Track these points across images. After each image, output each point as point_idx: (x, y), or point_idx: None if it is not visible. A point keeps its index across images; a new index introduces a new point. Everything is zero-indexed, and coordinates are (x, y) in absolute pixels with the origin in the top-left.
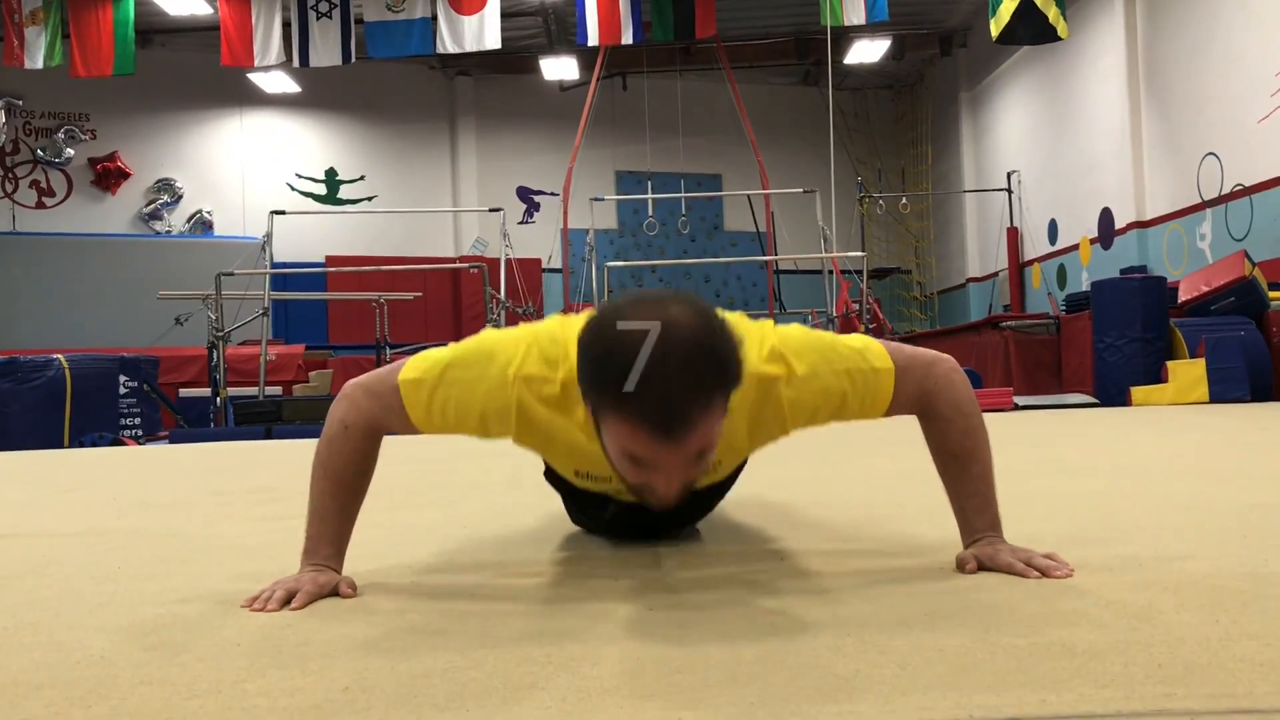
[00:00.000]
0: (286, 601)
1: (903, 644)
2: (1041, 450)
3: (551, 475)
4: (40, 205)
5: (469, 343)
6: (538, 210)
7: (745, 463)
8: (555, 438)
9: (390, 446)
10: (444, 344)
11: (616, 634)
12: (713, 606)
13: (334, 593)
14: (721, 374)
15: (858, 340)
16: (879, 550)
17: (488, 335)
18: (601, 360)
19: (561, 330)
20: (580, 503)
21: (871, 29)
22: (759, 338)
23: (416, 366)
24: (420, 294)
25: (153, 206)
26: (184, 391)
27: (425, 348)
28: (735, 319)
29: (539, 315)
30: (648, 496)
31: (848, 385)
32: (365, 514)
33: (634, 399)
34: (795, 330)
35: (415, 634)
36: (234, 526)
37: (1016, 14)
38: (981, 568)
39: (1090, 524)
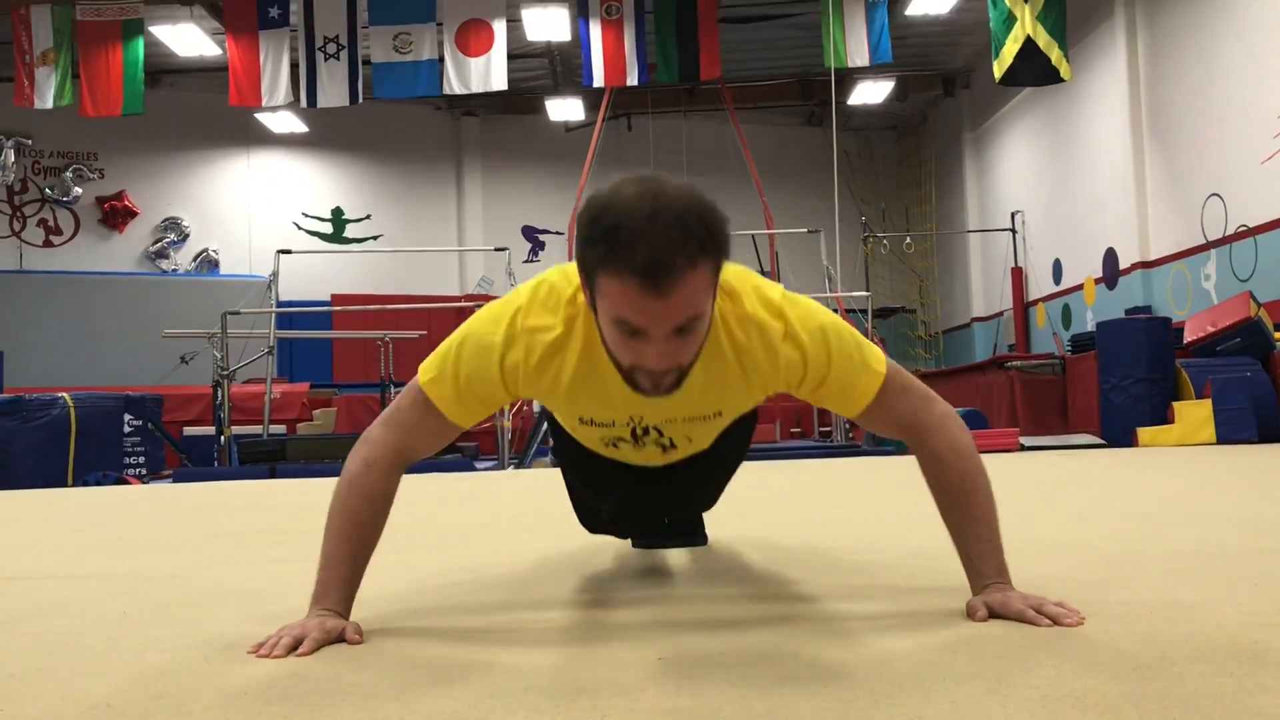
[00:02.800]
0: (293, 648)
1: (914, 695)
2: (1049, 493)
3: (559, 449)
4: (48, 244)
5: (471, 320)
6: (543, 249)
7: (741, 450)
8: (559, 378)
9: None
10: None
11: (626, 685)
12: (722, 656)
13: (341, 638)
14: (710, 236)
15: (866, 342)
16: (888, 596)
17: (489, 306)
18: (594, 220)
19: (560, 277)
20: (585, 478)
21: (875, 70)
22: (766, 287)
23: (431, 366)
24: (425, 332)
25: (159, 245)
26: (188, 430)
27: None
28: (747, 270)
29: None
30: (642, 383)
31: (831, 364)
32: (372, 556)
33: (623, 250)
34: (805, 299)
35: (422, 683)
36: (239, 569)
37: (1019, 56)
38: (992, 615)
39: (1099, 569)
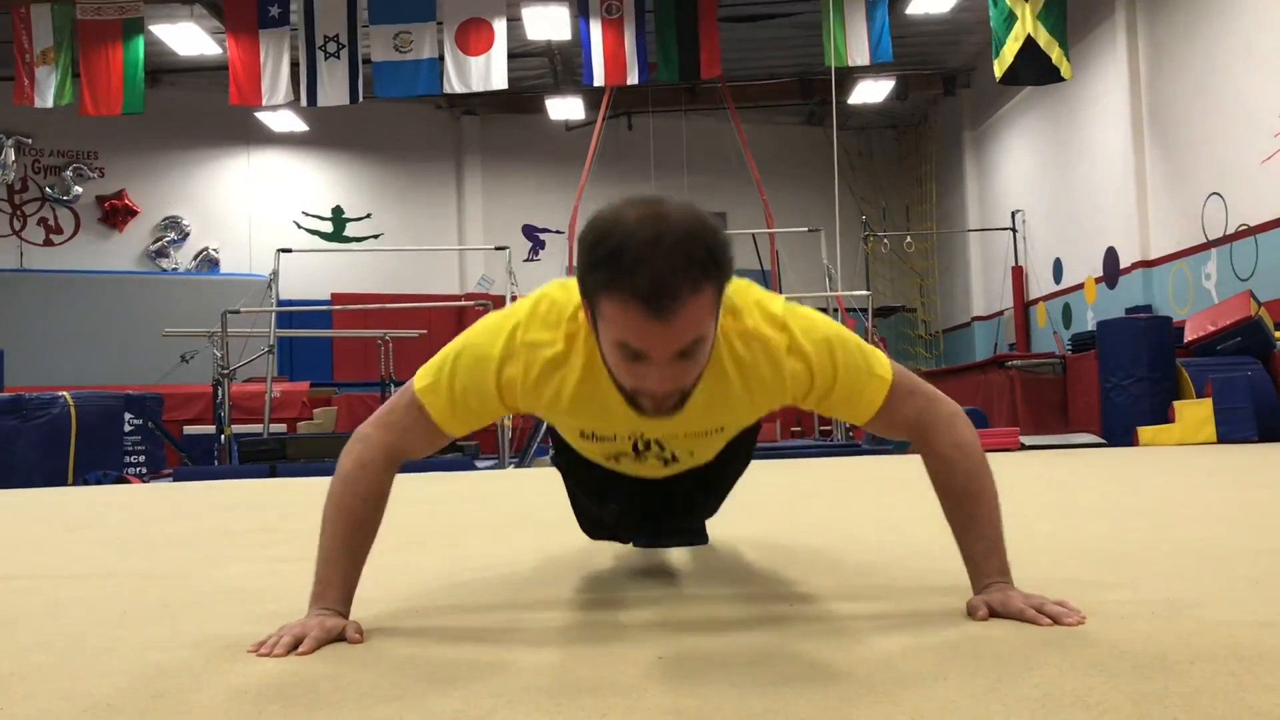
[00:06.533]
0: (294, 647)
1: (915, 696)
2: (1050, 492)
3: (559, 458)
4: (48, 243)
5: (469, 331)
6: (543, 248)
7: (745, 459)
8: (560, 395)
9: (393, 487)
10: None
11: (626, 684)
12: (723, 655)
13: (341, 638)
14: (712, 259)
15: (868, 346)
16: (889, 595)
17: (489, 317)
18: (596, 243)
19: (561, 292)
20: (586, 487)
21: (875, 69)
22: (767, 300)
23: (427, 373)
24: (425, 332)
25: (160, 244)
26: (188, 429)
27: None
28: (748, 283)
29: None
30: (644, 404)
31: (837, 374)
32: (372, 556)
33: (625, 274)
34: (808, 309)
35: (423, 681)
36: (240, 568)
37: (1020, 55)
38: (993, 614)
39: (1100, 569)
